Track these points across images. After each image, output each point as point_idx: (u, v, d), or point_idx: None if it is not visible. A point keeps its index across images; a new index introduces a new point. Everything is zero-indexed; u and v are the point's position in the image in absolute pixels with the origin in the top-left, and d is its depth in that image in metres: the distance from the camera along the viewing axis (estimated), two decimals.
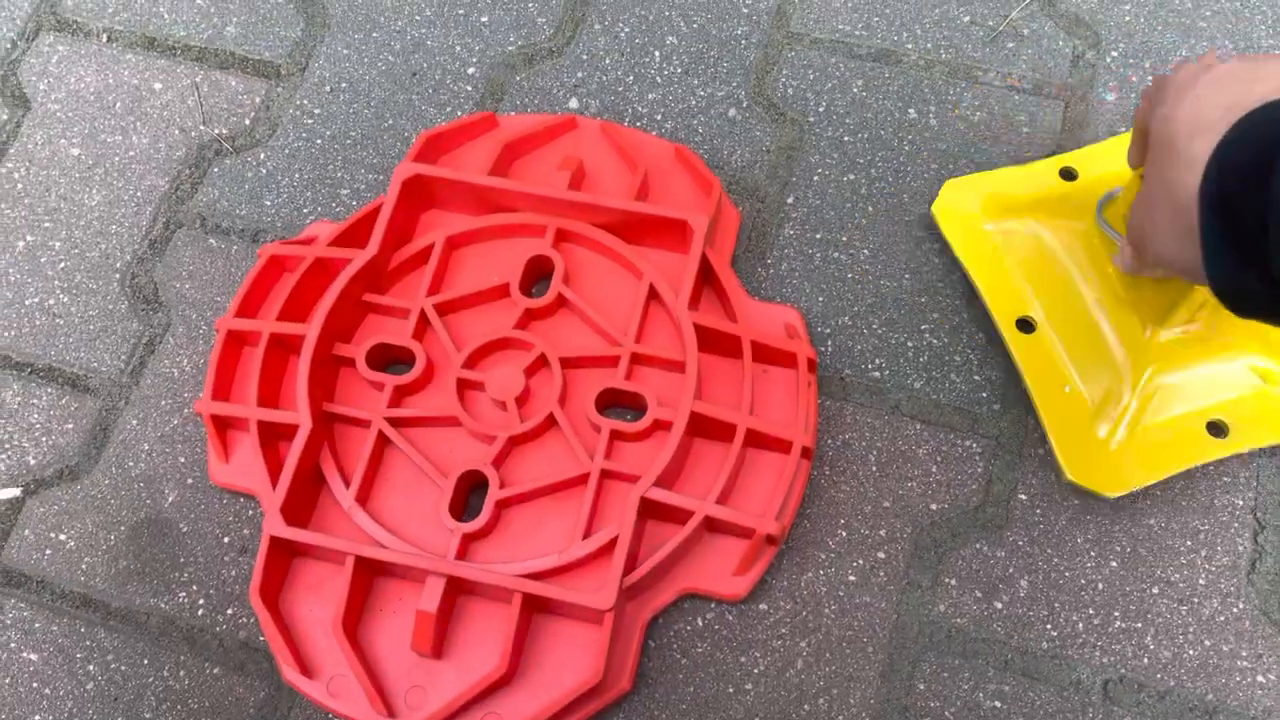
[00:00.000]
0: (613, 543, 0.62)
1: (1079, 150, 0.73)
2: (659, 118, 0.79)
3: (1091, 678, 0.62)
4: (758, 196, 0.76)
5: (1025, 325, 0.68)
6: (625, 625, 0.63)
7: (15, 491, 0.70)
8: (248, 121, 0.81)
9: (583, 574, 0.63)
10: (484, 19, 0.83)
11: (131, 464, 0.70)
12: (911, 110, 0.78)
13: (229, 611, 0.66)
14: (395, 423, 0.67)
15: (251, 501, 0.69)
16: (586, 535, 0.63)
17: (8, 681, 0.65)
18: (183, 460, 0.70)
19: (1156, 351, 0.65)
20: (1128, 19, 0.80)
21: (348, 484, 0.65)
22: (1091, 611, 0.63)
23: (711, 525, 0.64)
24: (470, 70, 0.81)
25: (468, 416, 0.66)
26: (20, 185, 0.79)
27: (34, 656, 0.65)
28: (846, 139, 0.77)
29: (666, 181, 0.74)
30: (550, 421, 0.67)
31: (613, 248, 0.70)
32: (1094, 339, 0.67)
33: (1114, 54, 0.79)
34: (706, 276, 0.70)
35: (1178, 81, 0.50)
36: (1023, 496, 0.66)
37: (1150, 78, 0.77)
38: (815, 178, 0.76)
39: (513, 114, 0.79)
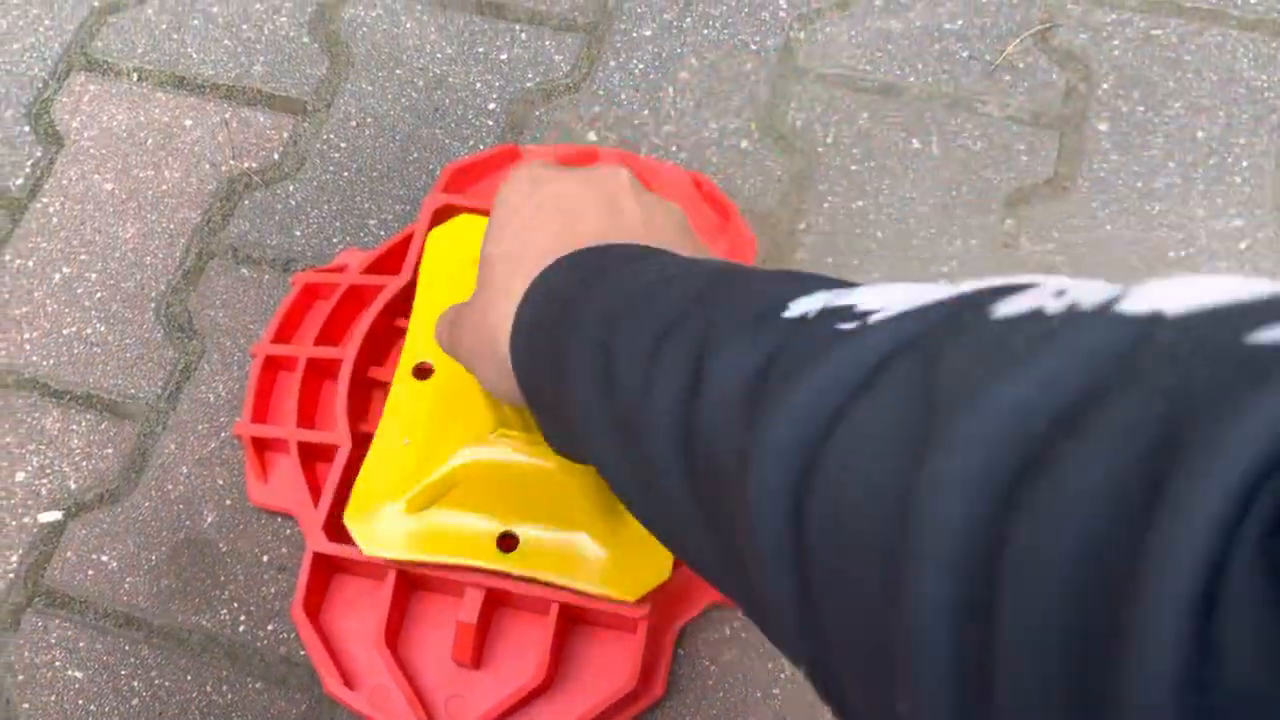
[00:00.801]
0: None
1: None
2: (674, 149, 0.82)
3: None
4: (771, 223, 0.79)
5: (423, 371, 0.67)
6: (658, 633, 0.65)
7: (57, 515, 0.72)
8: (276, 156, 0.83)
9: None
10: (503, 56, 0.87)
11: (170, 487, 0.72)
12: (915, 140, 0.82)
13: (270, 627, 0.68)
14: None
15: (289, 521, 0.71)
16: None
17: (54, 699, 0.67)
18: (220, 482, 0.72)
19: (479, 446, 0.63)
20: (1117, 53, 0.84)
21: None
22: None
23: None
24: (491, 105, 0.85)
25: None
26: (56, 219, 0.82)
27: (79, 674, 0.67)
28: (854, 168, 0.81)
29: (686, 207, 0.77)
30: None
31: None
32: (459, 405, 0.64)
33: (1105, 86, 0.83)
34: None
35: (509, 202, 0.48)
36: None
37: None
38: (825, 205, 0.79)
39: (534, 145, 0.82)
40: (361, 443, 0.68)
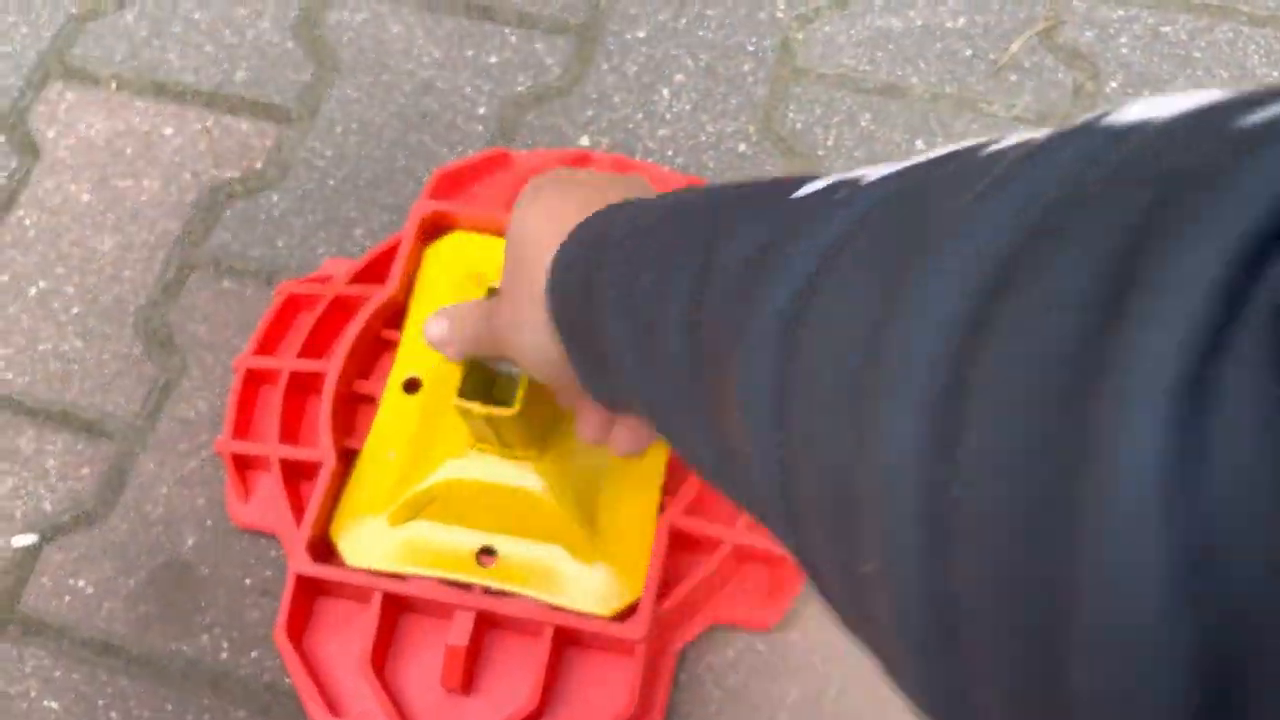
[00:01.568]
0: None
1: None
2: (670, 153, 0.80)
3: None
4: None
5: (413, 385, 0.66)
6: (656, 656, 0.62)
7: (32, 538, 0.69)
8: (259, 164, 0.81)
9: None
10: (492, 59, 0.84)
11: (150, 508, 0.69)
12: (919, 142, 0.79)
13: (253, 654, 0.65)
14: None
15: (272, 543, 0.68)
16: None
17: None
18: (201, 503, 0.69)
19: (461, 460, 0.62)
20: (1124, 51, 0.82)
21: None
22: None
23: (740, 554, 0.64)
24: (481, 110, 0.82)
25: None
26: (32, 232, 0.79)
27: (55, 705, 0.64)
28: None
29: None
30: None
31: None
32: (444, 420, 0.63)
33: (1113, 84, 0.81)
34: None
35: (539, 186, 0.47)
36: None
37: None
38: None
39: (525, 150, 0.79)
40: (346, 459, 0.66)
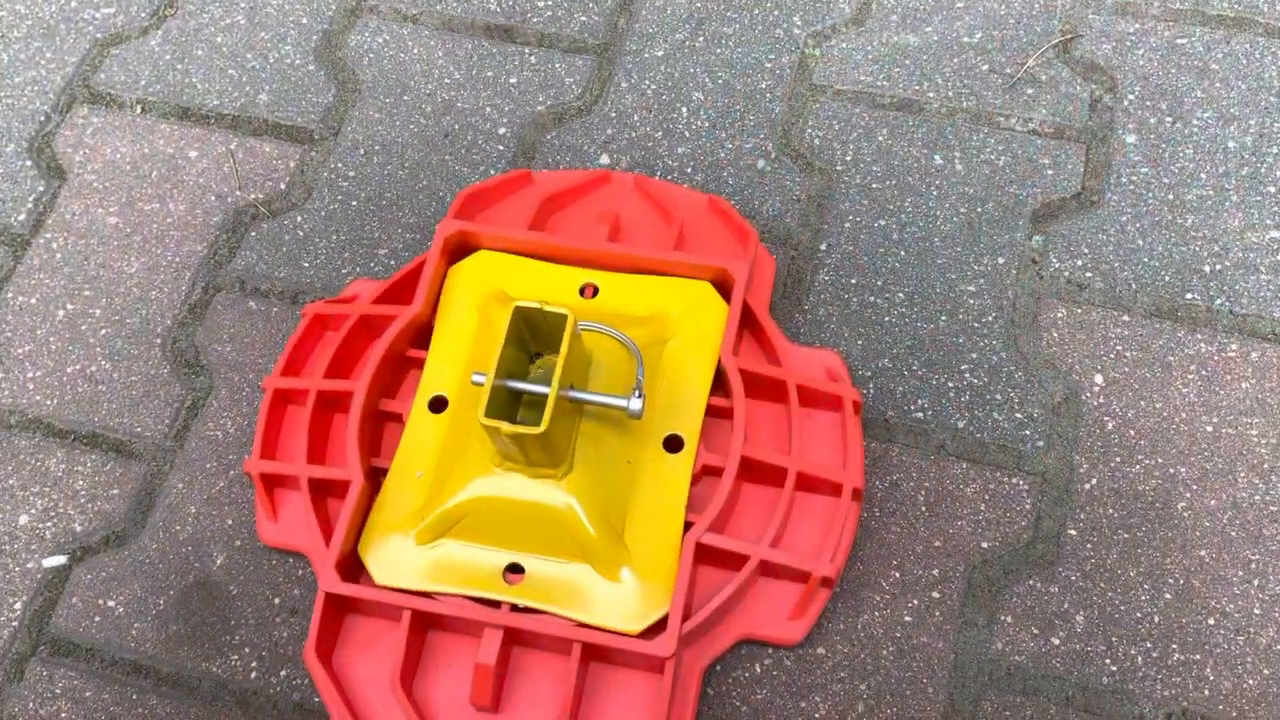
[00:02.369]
0: None
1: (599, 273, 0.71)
2: (689, 170, 0.80)
3: (1154, 711, 0.62)
4: (791, 244, 0.77)
5: (439, 403, 0.67)
6: (684, 673, 0.62)
7: (62, 559, 0.69)
8: (283, 186, 0.82)
9: None
10: (513, 80, 0.85)
11: (179, 528, 0.70)
12: (937, 156, 0.79)
13: (282, 673, 0.65)
14: None
15: (301, 561, 0.68)
16: None
17: None
18: (230, 522, 0.70)
19: (487, 479, 0.63)
20: (1142, 63, 0.82)
21: None
22: (1150, 645, 0.63)
23: (766, 569, 0.64)
24: (501, 130, 0.83)
25: None
26: (59, 255, 0.80)
27: None
28: (875, 186, 0.79)
29: (702, 231, 0.75)
30: None
31: None
32: (471, 439, 0.64)
33: (1131, 97, 0.81)
34: (747, 322, 0.71)
35: None
36: (1072, 532, 0.66)
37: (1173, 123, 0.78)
38: (847, 224, 0.77)
39: (547, 170, 0.80)
40: (373, 478, 0.66)
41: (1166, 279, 0.74)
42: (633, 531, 0.63)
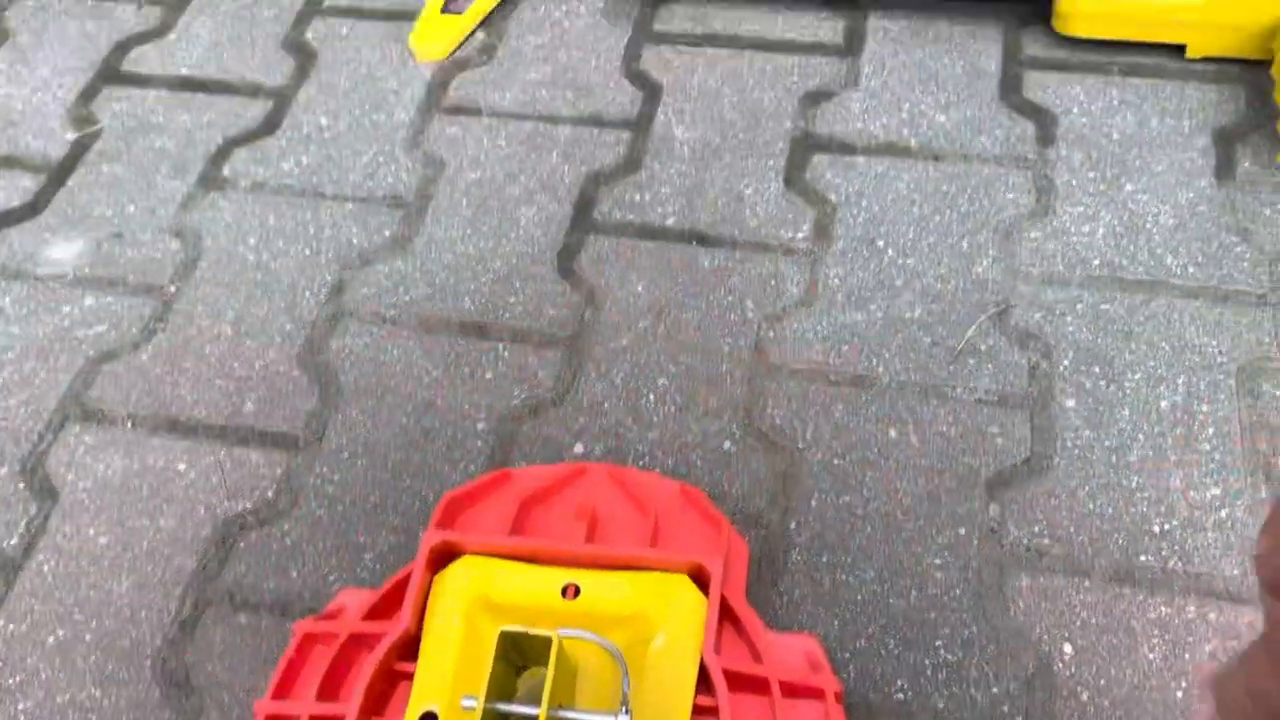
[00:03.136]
0: None
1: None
2: (660, 455, 0.84)
3: None
4: (762, 524, 0.80)
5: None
6: None
7: None
8: (270, 494, 0.85)
9: None
10: (489, 375, 0.90)
11: None
12: (892, 430, 0.84)
13: None
14: None
15: None
16: None
17: None
18: None
19: None
20: (1071, 329, 0.89)
21: None
22: None
23: None
24: (480, 425, 0.87)
25: None
26: (50, 578, 0.82)
27: None
28: (836, 462, 0.83)
29: (675, 521, 0.78)
30: None
31: None
32: None
33: (1065, 362, 0.87)
34: (726, 615, 0.73)
35: None
36: None
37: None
38: (813, 502, 0.81)
39: (525, 466, 0.84)
40: None
41: (1120, 541, 0.77)
42: None
